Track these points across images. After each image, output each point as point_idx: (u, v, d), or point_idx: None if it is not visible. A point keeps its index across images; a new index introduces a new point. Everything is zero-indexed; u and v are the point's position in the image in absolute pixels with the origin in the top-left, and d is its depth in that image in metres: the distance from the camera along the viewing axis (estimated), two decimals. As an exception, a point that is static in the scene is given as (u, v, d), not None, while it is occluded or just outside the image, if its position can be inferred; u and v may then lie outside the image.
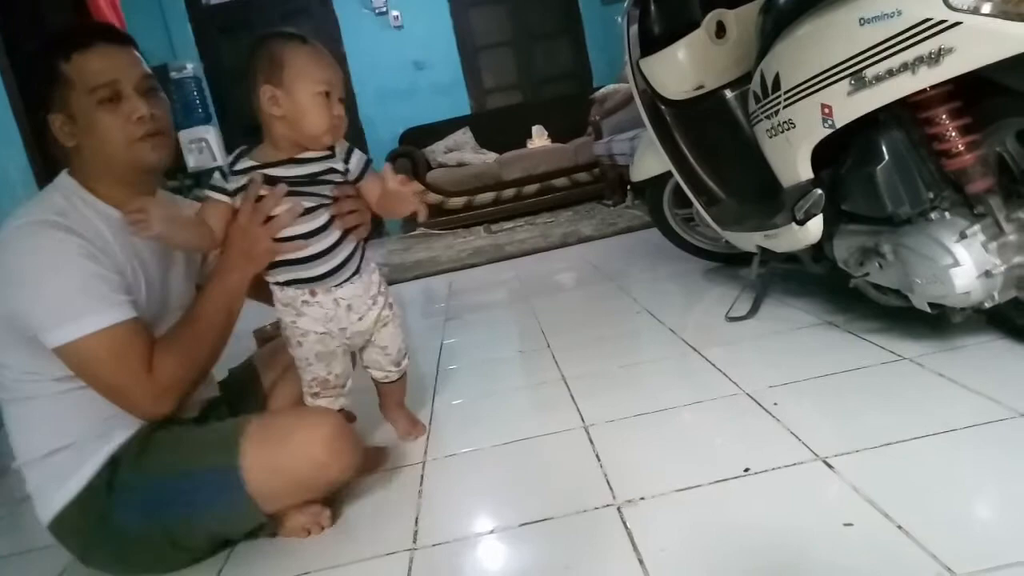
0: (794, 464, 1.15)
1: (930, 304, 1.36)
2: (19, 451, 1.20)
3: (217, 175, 1.27)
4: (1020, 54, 1.06)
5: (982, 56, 1.10)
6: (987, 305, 1.30)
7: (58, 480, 1.17)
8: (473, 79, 6.58)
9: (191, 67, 5.20)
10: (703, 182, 2.11)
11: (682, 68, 2.06)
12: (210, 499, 1.15)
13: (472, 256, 4.14)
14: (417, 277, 3.86)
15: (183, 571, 1.20)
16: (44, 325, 1.09)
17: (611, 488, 1.19)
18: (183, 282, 1.34)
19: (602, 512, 1.13)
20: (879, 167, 1.32)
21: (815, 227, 1.54)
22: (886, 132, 1.34)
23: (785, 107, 1.48)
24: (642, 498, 1.14)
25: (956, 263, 1.26)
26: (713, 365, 1.65)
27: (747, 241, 1.92)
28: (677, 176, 2.16)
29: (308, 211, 1.27)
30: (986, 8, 1.07)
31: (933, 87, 1.22)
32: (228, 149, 5.68)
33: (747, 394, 1.44)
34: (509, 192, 5.68)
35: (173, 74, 4.79)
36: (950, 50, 1.11)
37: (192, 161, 4.62)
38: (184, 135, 4.63)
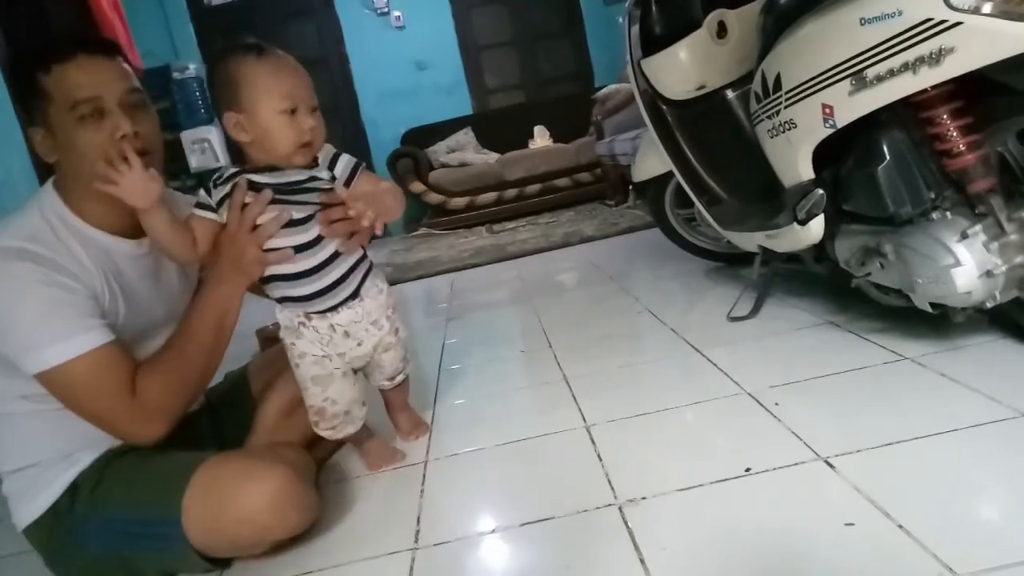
0: (795, 464, 1.15)
1: (932, 304, 1.36)
2: None
3: (202, 192, 1.22)
4: (1021, 54, 1.06)
5: (983, 56, 1.10)
6: (989, 305, 1.30)
7: (27, 496, 1.17)
8: (475, 79, 6.58)
9: (193, 68, 5.20)
10: (704, 182, 2.11)
11: (683, 68, 2.06)
12: (155, 545, 1.12)
13: (474, 256, 4.15)
14: (419, 277, 3.87)
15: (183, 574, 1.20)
16: (17, 354, 1.07)
17: (612, 488, 1.19)
18: (176, 296, 1.31)
19: (603, 512, 1.13)
20: (880, 167, 1.32)
21: (816, 227, 1.54)
22: (887, 132, 1.34)
23: (786, 107, 1.48)
24: (643, 498, 1.14)
25: (957, 263, 1.26)
26: (715, 365, 1.65)
27: (748, 241, 1.92)
28: (679, 176, 2.16)
29: (297, 222, 1.21)
30: (987, 8, 1.07)
31: (934, 87, 1.22)
32: (230, 150, 5.71)
33: (748, 394, 1.44)
34: (511, 192, 5.68)
35: (175, 74, 4.79)
36: (951, 50, 1.11)
37: (195, 162, 4.63)
38: (186, 136, 4.64)
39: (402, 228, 6.15)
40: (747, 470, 1.15)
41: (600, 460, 1.30)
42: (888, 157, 1.32)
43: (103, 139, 1.11)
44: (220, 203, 1.21)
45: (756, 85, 1.62)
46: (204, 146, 4.58)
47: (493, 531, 1.15)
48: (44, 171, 3.16)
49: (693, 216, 2.47)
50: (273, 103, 1.14)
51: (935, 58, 1.13)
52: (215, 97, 1.19)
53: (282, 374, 1.41)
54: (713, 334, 1.87)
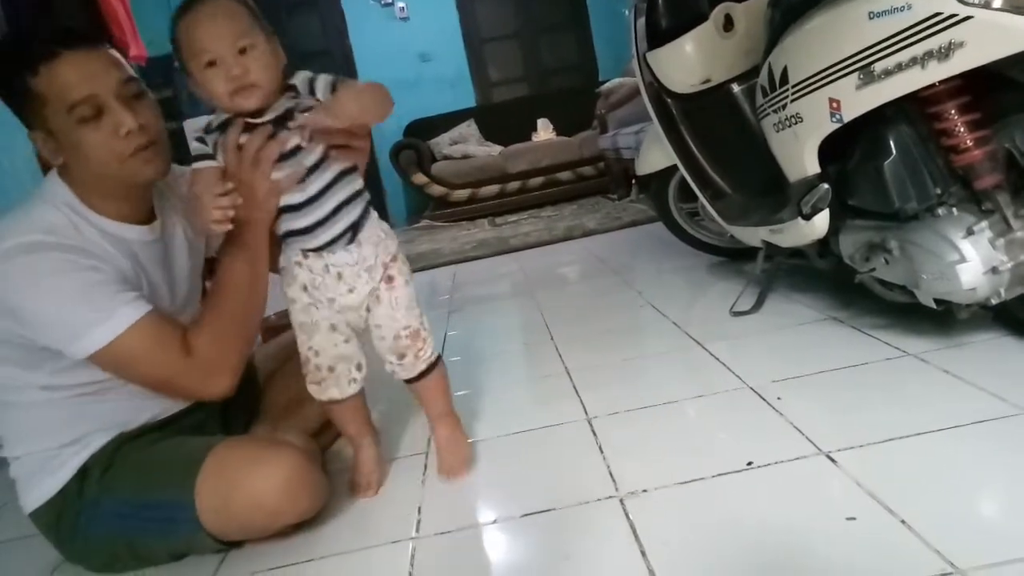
0: (797, 458, 1.15)
1: (936, 300, 1.36)
2: (7, 445, 1.21)
3: (195, 144, 1.17)
4: None
5: (993, 51, 1.09)
6: (993, 302, 1.29)
7: (35, 480, 1.18)
8: (479, 71, 6.56)
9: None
10: (708, 176, 2.11)
11: (689, 61, 2.06)
12: (167, 529, 1.13)
13: (476, 248, 4.14)
14: (421, 269, 3.86)
15: (188, 560, 1.20)
16: (63, 342, 1.07)
17: (614, 480, 1.19)
18: (186, 280, 1.31)
19: (604, 504, 1.13)
20: (887, 162, 1.32)
21: (821, 222, 1.54)
22: (894, 127, 1.33)
23: (793, 101, 1.47)
24: (645, 490, 1.14)
25: (963, 259, 1.25)
26: (717, 359, 1.65)
27: (752, 236, 1.92)
28: (683, 170, 2.15)
29: (294, 151, 1.15)
30: (997, 2, 1.06)
31: (942, 82, 1.21)
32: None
33: (751, 388, 1.44)
34: (514, 185, 5.68)
35: (177, 63, 4.78)
36: (960, 44, 1.10)
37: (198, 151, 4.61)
38: (189, 124, 4.60)
39: (404, 220, 6.14)
40: (749, 464, 1.15)
41: (602, 452, 1.30)
42: (894, 152, 1.32)
43: (108, 138, 1.08)
44: (216, 148, 1.17)
45: (763, 79, 1.61)
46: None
47: (494, 522, 1.16)
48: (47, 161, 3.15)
49: (696, 210, 2.46)
50: (195, 61, 1.09)
51: (944, 52, 1.12)
52: None
53: (290, 363, 1.41)
54: (715, 328, 1.87)
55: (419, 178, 5.68)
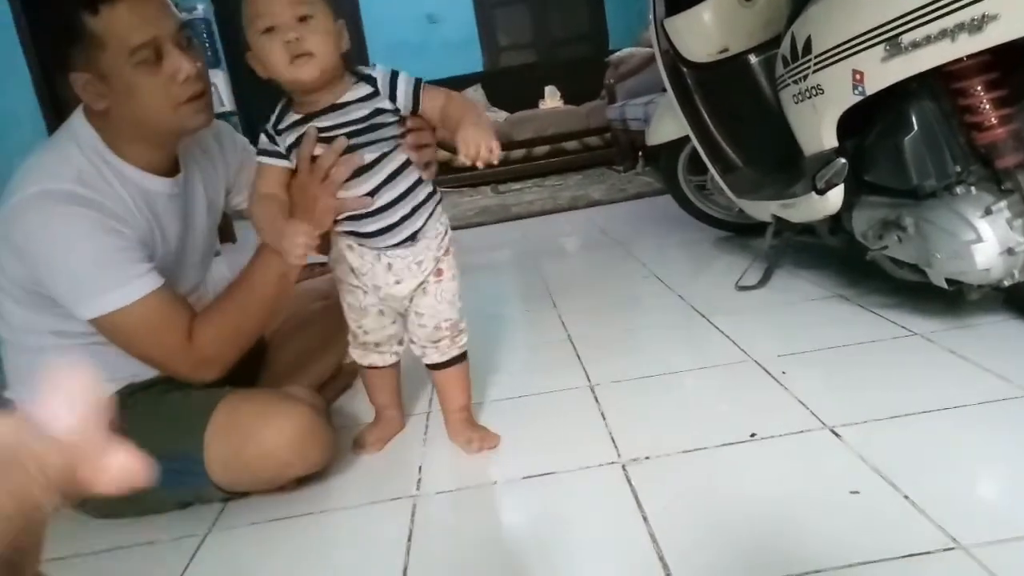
0: (801, 432, 1.14)
1: (947, 280, 1.34)
2: (10, 384, 1.20)
3: (264, 138, 1.15)
4: None
5: (1027, 25, 1.06)
6: (1006, 283, 1.28)
7: None
8: (487, 36, 6.46)
9: (201, 8, 5.10)
10: (721, 148, 2.08)
11: (707, 30, 2.01)
12: (175, 480, 1.11)
13: (478, 215, 4.11)
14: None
15: (184, 512, 1.20)
16: (70, 300, 1.06)
17: (616, 446, 1.19)
18: (205, 236, 1.30)
19: (606, 469, 1.13)
20: (907, 138, 1.29)
21: (835, 197, 1.52)
22: (917, 101, 1.30)
23: (815, 72, 1.44)
24: (647, 457, 1.14)
25: (979, 239, 1.24)
26: (721, 332, 1.64)
27: (762, 210, 1.90)
28: (695, 141, 2.12)
29: (367, 167, 1.12)
30: (1034, -26, 1.03)
31: (971, 56, 1.18)
32: (237, 95, 5.62)
33: (755, 362, 1.44)
34: (518, 153, 5.61)
35: (182, 15, 4.69)
36: (994, 17, 1.07)
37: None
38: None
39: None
40: (752, 435, 1.15)
41: (604, 419, 1.30)
42: (916, 127, 1.29)
43: (165, 83, 1.06)
44: (289, 150, 1.13)
45: (784, 48, 1.58)
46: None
47: (494, 483, 1.16)
48: (51, 111, 3.10)
49: (704, 184, 2.44)
50: (252, 28, 1.05)
51: (976, 25, 1.09)
52: None
53: (296, 319, 1.40)
54: (721, 302, 1.86)
55: (423, 142, 5.61)
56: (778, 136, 1.75)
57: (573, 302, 2.10)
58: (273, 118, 1.14)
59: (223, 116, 3.98)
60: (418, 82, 1.14)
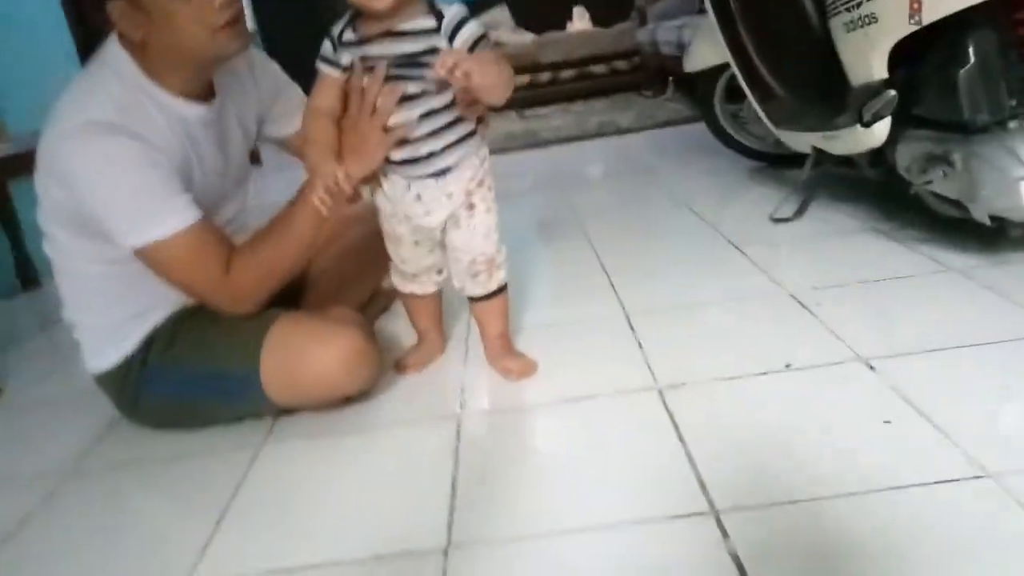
0: (836, 363, 1.17)
1: (991, 217, 1.34)
2: (65, 308, 1.26)
3: (327, 44, 1.13)
4: None
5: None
6: (1050, 222, 1.28)
7: (98, 348, 1.23)
8: (515, -49, 6.20)
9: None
10: (761, 76, 2.03)
11: (754, -50, 1.94)
12: (230, 397, 1.20)
13: (505, 141, 4.07)
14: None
15: (239, 424, 1.26)
16: (111, 230, 1.09)
17: (652, 373, 1.23)
18: (240, 161, 1.32)
19: (644, 394, 1.17)
20: (963, 70, 1.27)
21: (881, 130, 1.49)
22: (976, 33, 1.27)
23: (869, 0, 1.40)
24: (683, 383, 1.18)
25: (1028, 176, 1.23)
26: (755, 264, 1.65)
27: (802, 141, 1.88)
28: (734, 68, 2.07)
29: (410, 97, 1.11)
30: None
31: (1036, -15, 1.15)
32: (258, 15, 5.50)
33: (790, 294, 1.45)
34: (545, 76, 5.50)
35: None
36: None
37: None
38: None
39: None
40: (787, 366, 1.18)
41: (640, 346, 1.33)
42: (972, 60, 1.26)
43: (202, 9, 1.06)
44: (347, 68, 1.13)
45: (838, -28, 1.53)
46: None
47: (535, 404, 1.20)
48: (83, 43, 3.04)
49: (738, 112, 2.40)
50: None
51: (1047, -49, 1.05)
52: None
53: (337, 245, 1.42)
54: (755, 234, 1.86)
55: (447, 63, 5.50)
56: (822, 65, 1.71)
57: (604, 231, 2.11)
58: (338, 29, 1.12)
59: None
60: (481, 37, 1.10)
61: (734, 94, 2.35)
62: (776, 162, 2.43)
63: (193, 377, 1.20)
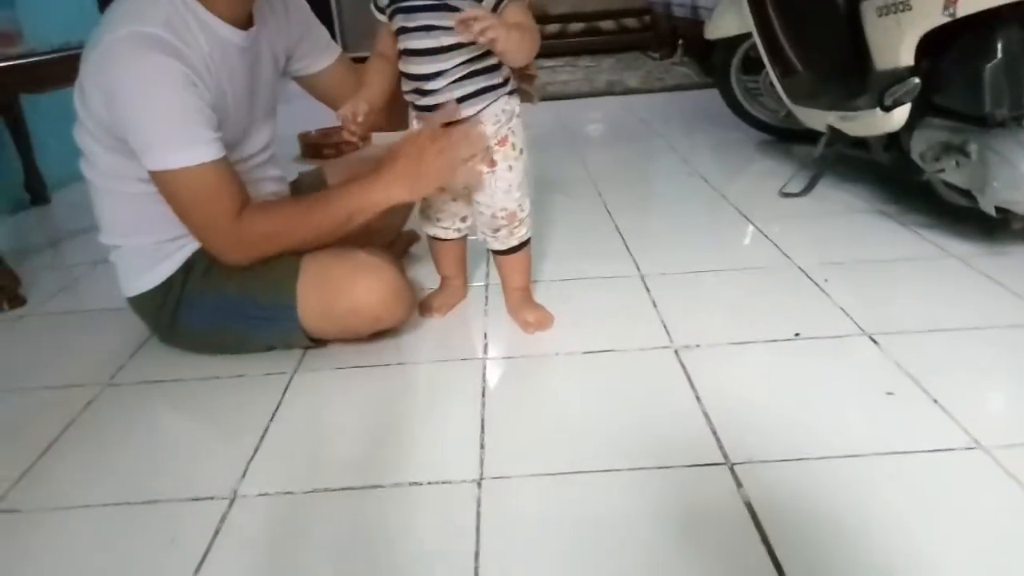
0: (842, 336, 1.24)
1: (996, 208, 1.41)
2: (102, 229, 1.28)
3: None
4: None
5: None
6: (1053, 218, 1.35)
7: (135, 270, 1.26)
8: None
9: None
10: (783, 50, 2.06)
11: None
12: (266, 326, 1.24)
13: (512, 91, 4.05)
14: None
15: (268, 354, 1.30)
16: (139, 147, 1.10)
17: (668, 332, 1.29)
18: (269, 92, 1.33)
19: (661, 352, 1.23)
20: (989, 64, 1.31)
21: (900, 115, 1.54)
22: (1006, 29, 1.31)
23: (905, -14, 1.43)
24: (698, 345, 1.24)
25: (1038, 172, 1.29)
26: (766, 236, 1.71)
27: (817, 119, 1.92)
28: (756, 39, 2.10)
29: (445, 48, 1.12)
30: None
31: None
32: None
33: (799, 267, 1.52)
34: (552, 28, 5.42)
35: None
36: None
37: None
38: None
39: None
40: (796, 335, 1.25)
41: (655, 307, 1.40)
42: (1000, 55, 1.31)
43: None
44: (386, 8, 1.15)
45: (875, -44, 1.55)
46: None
47: (556, 354, 1.26)
48: None
49: (753, 84, 2.43)
50: None
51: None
52: None
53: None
54: (764, 206, 1.92)
55: (455, 8, 5.40)
56: (846, 46, 1.75)
57: (618, 192, 2.15)
58: None
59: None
60: None
61: (749, 66, 2.38)
62: (785, 137, 2.48)
63: (229, 303, 1.23)
